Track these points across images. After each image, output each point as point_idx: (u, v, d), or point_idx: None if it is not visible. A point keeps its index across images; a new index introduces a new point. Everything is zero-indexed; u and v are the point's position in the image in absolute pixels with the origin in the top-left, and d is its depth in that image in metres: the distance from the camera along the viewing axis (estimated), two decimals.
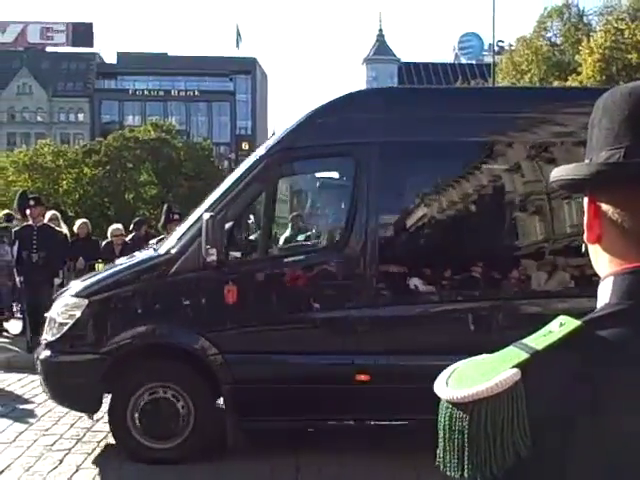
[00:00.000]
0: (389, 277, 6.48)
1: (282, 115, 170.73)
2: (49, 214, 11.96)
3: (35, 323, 9.91)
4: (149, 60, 79.11)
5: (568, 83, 31.34)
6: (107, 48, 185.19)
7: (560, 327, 0.99)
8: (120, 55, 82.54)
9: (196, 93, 79.58)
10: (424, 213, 6.73)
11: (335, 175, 7.63)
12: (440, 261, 6.55)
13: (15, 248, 11.35)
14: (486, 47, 66.32)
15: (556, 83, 32.80)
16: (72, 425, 7.28)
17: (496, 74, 37.93)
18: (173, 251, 6.46)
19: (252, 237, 6.86)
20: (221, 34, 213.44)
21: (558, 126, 6.49)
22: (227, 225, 6.37)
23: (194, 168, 50.99)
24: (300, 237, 7.39)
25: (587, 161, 1.09)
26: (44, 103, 77.27)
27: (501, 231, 6.70)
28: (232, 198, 6.49)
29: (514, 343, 1.00)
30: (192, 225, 6.53)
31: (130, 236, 13.20)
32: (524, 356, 0.96)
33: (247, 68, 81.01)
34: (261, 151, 6.88)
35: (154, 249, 7.07)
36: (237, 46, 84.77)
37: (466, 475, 0.95)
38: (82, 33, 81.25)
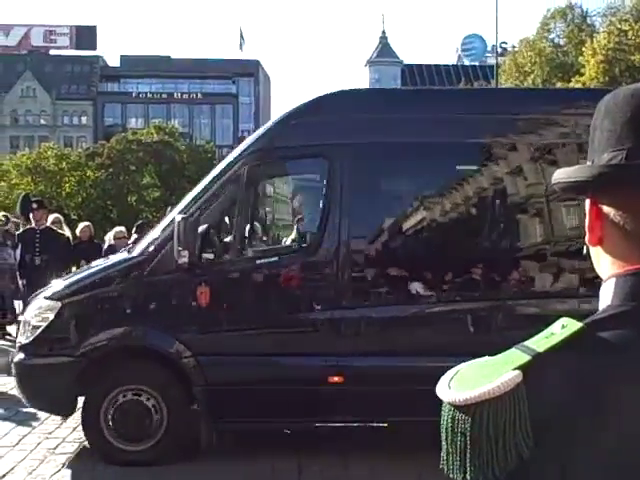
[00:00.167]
0: (362, 279, 6.48)
1: None
2: (52, 217, 11.98)
3: None
4: (152, 63, 79.26)
5: (571, 84, 31.33)
6: (110, 51, 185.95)
7: (562, 329, 0.99)
8: (123, 58, 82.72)
9: (199, 96, 79.74)
10: (397, 214, 6.76)
11: (309, 176, 7.63)
12: (414, 262, 6.56)
13: (18, 251, 11.37)
14: (489, 49, 66.40)
15: (559, 84, 32.80)
16: (75, 429, 7.27)
17: (499, 76, 37.94)
18: (146, 253, 6.48)
19: (227, 239, 6.82)
20: (224, 37, 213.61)
21: (549, 128, 6.50)
22: (202, 227, 6.37)
23: (197, 171, 50.98)
24: (274, 239, 7.37)
25: (589, 163, 1.09)
26: (47, 106, 77.43)
27: (475, 232, 6.70)
28: (206, 200, 6.52)
29: (516, 345, 1.00)
30: (166, 227, 6.54)
31: (133, 239, 13.20)
32: (526, 358, 0.96)
33: (250, 70, 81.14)
34: (235, 153, 6.90)
35: (128, 251, 7.08)
36: (240, 48, 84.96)
37: (468, 477, 0.95)
38: (85, 36, 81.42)
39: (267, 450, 6.52)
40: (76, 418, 7.41)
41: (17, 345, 6.68)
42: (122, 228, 13.77)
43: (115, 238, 12.97)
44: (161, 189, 50.94)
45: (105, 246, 13.26)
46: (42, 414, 7.76)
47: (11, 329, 12.68)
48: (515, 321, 6.25)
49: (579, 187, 1.08)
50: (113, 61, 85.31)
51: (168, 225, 6.48)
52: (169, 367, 6.37)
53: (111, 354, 6.45)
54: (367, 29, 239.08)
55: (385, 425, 6.86)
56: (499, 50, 42.30)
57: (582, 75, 33.03)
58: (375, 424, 6.81)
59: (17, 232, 12.09)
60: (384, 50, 76.78)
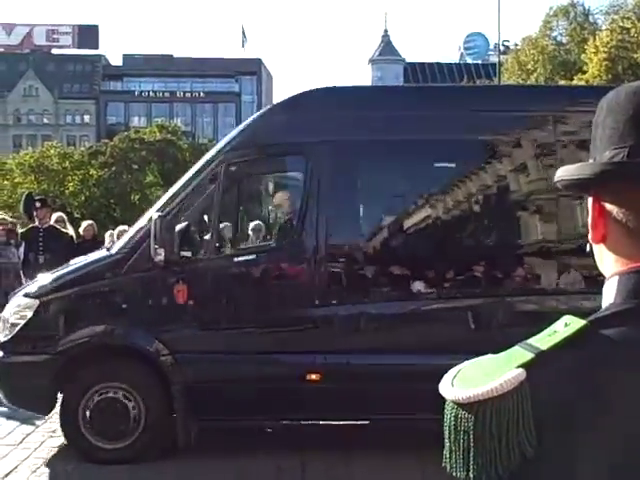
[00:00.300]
0: (339, 276, 6.48)
1: None
2: (55, 216, 11.98)
3: None
4: (154, 62, 79.31)
5: (574, 82, 31.27)
6: (113, 50, 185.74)
7: (565, 327, 0.98)
8: (126, 57, 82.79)
9: (201, 94, 79.75)
10: (375, 212, 6.79)
11: (287, 174, 7.63)
12: (392, 260, 6.57)
13: (21, 249, 11.38)
14: (492, 47, 66.32)
15: (562, 82, 32.73)
16: None
17: (502, 74, 37.89)
18: (124, 251, 6.49)
19: (206, 237, 6.82)
20: (226, 35, 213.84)
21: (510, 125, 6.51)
22: (181, 225, 6.39)
23: None
24: (253, 236, 7.37)
25: (591, 161, 1.08)
26: (50, 105, 77.47)
27: (453, 229, 6.72)
28: (184, 198, 6.53)
29: (519, 343, 1.00)
30: (143, 225, 6.55)
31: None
32: (529, 356, 0.96)
33: (252, 69, 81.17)
34: (214, 150, 6.91)
35: (107, 249, 7.06)
36: (243, 46, 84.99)
37: (472, 476, 0.94)
38: (88, 35, 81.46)
39: (271, 449, 6.52)
40: None
41: None
42: (125, 227, 13.76)
43: (118, 237, 12.96)
44: (164, 188, 50.77)
45: (108, 244, 13.26)
46: None
47: None
48: (493, 319, 6.32)
49: (581, 185, 1.08)
50: (115, 60, 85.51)
51: (146, 223, 6.48)
52: (147, 365, 6.37)
53: (89, 352, 6.46)
54: (369, 27, 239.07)
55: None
56: (502, 48, 42.28)
57: (585, 73, 32.95)
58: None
59: (21, 231, 12.10)
60: (386, 48, 76.64)
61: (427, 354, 6.10)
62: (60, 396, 6.52)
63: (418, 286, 6.49)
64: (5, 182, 49.87)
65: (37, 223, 11.23)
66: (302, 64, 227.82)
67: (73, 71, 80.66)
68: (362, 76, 75.39)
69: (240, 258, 6.62)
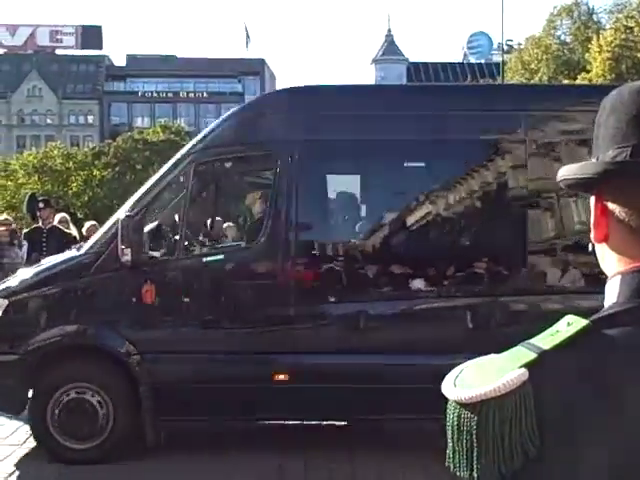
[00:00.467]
0: (308, 276, 6.48)
1: None
2: (59, 216, 11.99)
3: None
4: (158, 62, 79.31)
5: (578, 81, 31.24)
6: (116, 50, 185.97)
7: (568, 326, 0.98)
8: (129, 57, 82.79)
9: (205, 95, 79.73)
10: (344, 212, 6.80)
11: (256, 173, 7.60)
12: (360, 258, 6.56)
13: (24, 250, 11.40)
14: (495, 46, 66.16)
15: (565, 82, 32.71)
16: None
17: (505, 73, 37.87)
18: (92, 251, 6.50)
19: (175, 237, 6.80)
20: (230, 35, 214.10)
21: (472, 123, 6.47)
22: (151, 225, 6.41)
23: None
24: (222, 236, 7.34)
25: (593, 160, 1.08)
26: (54, 106, 77.53)
27: (418, 228, 6.70)
28: (153, 198, 6.54)
29: (521, 343, 1.00)
30: (112, 225, 6.54)
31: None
32: (532, 356, 0.96)
33: (255, 69, 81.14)
34: (183, 150, 6.91)
35: (77, 249, 7.07)
36: (246, 46, 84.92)
37: (475, 475, 0.95)
38: (91, 36, 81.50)
39: (274, 448, 6.52)
40: None
41: None
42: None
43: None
44: None
45: None
46: None
47: None
48: (456, 320, 6.35)
49: (584, 184, 1.08)
50: (119, 60, 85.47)
51: (114, 223, 6.48)
52: (116, 365, 6.38)
53: (58, 352, 6.47)
54: (373, 27, 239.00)
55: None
56: (505, 47, 42.28)
57: (589, 72, 32.94)
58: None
59: (24, 231, 12.13)
60: (390, 48, 76.57)
61: (397, 354, 6.14)
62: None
63: (389, 286, 6.50)
64: (9, 183, 49.95)
65: (40, 223, 11.24)
66: (305, 64, 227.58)
67: (76, 71, 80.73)
68: (365, 76, 75.40)
69: (209, 258, 6.59)
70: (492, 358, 1.00)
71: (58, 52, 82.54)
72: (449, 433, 0.97)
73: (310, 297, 6.42)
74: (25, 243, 11.58)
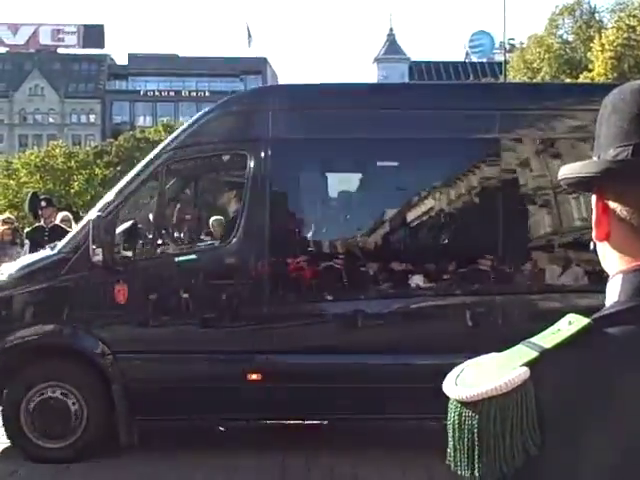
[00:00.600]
0: (280, 275, 6.45)
1: None
2: (61, 215, 11.99)
3: None
4: (160, 61, 79.36)
5: (580, 80, 31.21)
6: (118, 49, 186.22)
7: (569, 325, 0.98)
8: (131, 56, 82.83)
9: (207, 93, 79.65)
10: (316, 210, 6.79)
11: (229, 173, 7.57)
12: (332, 257, 6.55)
13: (26, 249, 11.40)
14: (497, 45, 66.12)
15: (567, 81, 32.69)
16: None
17: (507, 72, 37.84)
18: (65, 251, 6.49)
19: (148, 236, 6.80)
20: (232, 34, 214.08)
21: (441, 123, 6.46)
22: (125, 225, 6.40)
23: None
24: (195, 236, 7.31)
25: (595, 158, 1.08)
26: (56, 105, 77.60)
27: (389, 227, 6.71)
28: (126, 197, 6.53)
29: (523, 342, 1.00)
30: (85, 225, 6.53)
31: None
32: (533, 354, 0.96)
33: (257, 68, 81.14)
34: (157, 150, 6.89)
35: (51, 248, 7.07)
36: (248, 45, 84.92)
37: (476, 474, 0.95)
38: (93, 35, 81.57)
39: (277, 447, 6.52)
40: None
41: None
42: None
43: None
44: None
45: None
46: None
47: None
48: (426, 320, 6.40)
49: (586, 183, 1.08)
50: (121, 59, 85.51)
51: (86, 223, 6.47)
52: (88, 364, 6.37)
53: (31, 351, 6.47)
54: (375, 26, 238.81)
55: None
56: (507, 46, 42.18)
57: (591, 71, 32.93)
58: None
59: (26, 230, 12.13)
60: (392, 47, 76.59)
61: (371, 353, 6.15)
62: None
63: (362, 285, 6.50)
64: (11, 181, 50.04)
65: (42, 222, 11.25)
66: (307, 63, 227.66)
67: (78, 70, 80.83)
68: (367, 75, 75.39)
69: (181, 258, 6.56)
70: (493, 357, 1.00)
71: (60, 51, 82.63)
72: (450, 432, 0.97)
73: (283, 296, 6.42)
74: (27, 242, 11.58)
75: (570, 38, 41.41)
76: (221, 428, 7.09)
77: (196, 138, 6.59)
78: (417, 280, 6.50)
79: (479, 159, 6.57)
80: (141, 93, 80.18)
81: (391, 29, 78.53)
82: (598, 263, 1.11)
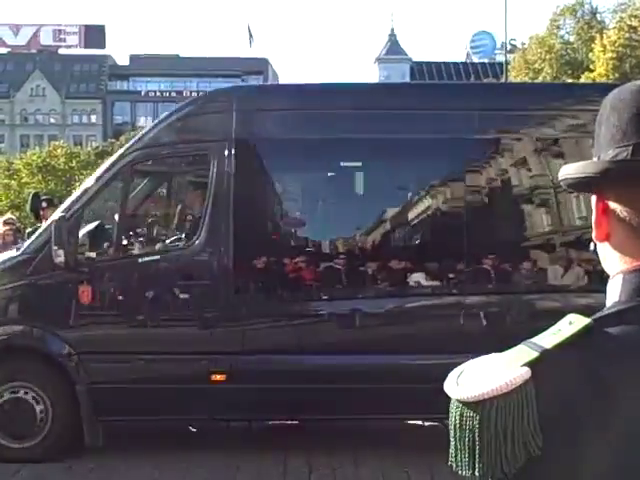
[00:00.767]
0: (244, 275, 6.45)
1: None
2: None
3: None
4: (161, 61, 79.38)
5: (581, 81, 31.19)
6: (119, 50, 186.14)
7: (569, 325, 0.98)
8: (132, 57, 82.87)
9: None
10: (279, 210, 6.79)
11: (193, 173, 7.55)
12: (297, 257, 6.53)
13: None
14: (498, 46, 66.08)
15: (569, 81, 32.65)
16: None
17: (508, 72, 37.79)
18: (29, 252, 6.49)
19: (112, 237, 6.79)
20: (233, 35, 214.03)
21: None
22: (90, 225, 6.41)
23: None
24: (159, 237, 7.32)
25: (595, 159, 1.08)
26: (57, 105, 77.62)
27: (355, 227, 6.70)
28: (90, 198, 6.52)
29: (524, 342, 1.00)
30: (48, 225, 6.53)
31: None
32: (534, 355, 0.96)
33: (259, 68, 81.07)
34: (121, 150, 6.91)
35: (17, 249, 7.07)
36: (250, 45, 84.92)
37: (477, 474, 0.94)
38: (94, 35, 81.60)
39: (278, 448, 6.52)
40: None
41: None
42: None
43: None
44: None
45: None
46: None
47: None
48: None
49: (585, 183, 1.08)
50: (122, 60, 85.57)
51: (50, 224, 6.46)
52: (53, 365, 6.37)
53: None
54: (376, 26, 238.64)
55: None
56: (508, 47, 42.10)
57: (592, 72, 32.88)
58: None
59: (28, 230, 12.12)
60: (393, 48, 76.59)
61: (334, 354, 6.15)
62: None
63: (327, 284, 6.49)
64: (12, 182, 50.01)
65: (44, 223, 11.24)
66: (308, 64, 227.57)
67: (80, 71, 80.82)
68: (369, 75, 75.38)
69: (145, 259, 6.56)
70: (494, 357, 1.00)
71: (61, 51, 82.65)
72: (451, 432, 0.97)
73: (247, 297, 6.42)
74: None
75: (571, 39, 41.32)
76: (192, 429, 7.09)
77: (161, 139, 6.60)
78: (380, 280, 6.52)
79: (439, 159, 6.59)
80: (142, 93, 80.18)
81: (392, 29, 78.57)
82: (598, 263, 1.11)
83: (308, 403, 6.17)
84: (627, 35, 32.44)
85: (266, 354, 6.25)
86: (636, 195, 1.02)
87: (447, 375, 1.00)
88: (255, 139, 6.48)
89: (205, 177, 6.54)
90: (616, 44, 32.00)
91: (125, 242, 6.72)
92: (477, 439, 0.94)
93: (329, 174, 6.86)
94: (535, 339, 0.99)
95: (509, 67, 38.79)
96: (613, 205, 1.05)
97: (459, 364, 1.01)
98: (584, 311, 1.03)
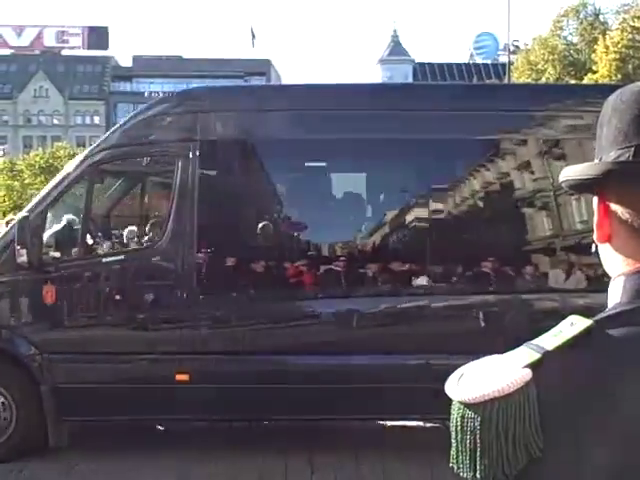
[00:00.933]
0: (208, 276, 6.43)
1: None
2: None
3: None
4: (164, 63, 79.49)
5: (584, 82, 31.17)
6: (122, 51, 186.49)
7: (571, 326, 0.98)
8: (135, 58, 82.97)
9: None
10: (244, 211, 6.77)
11: (158, 173, 7.49)
12: (262, 257, 6.52)
13: None
14: (501, 47, 66.02)
15: (572, 82, 32.64)
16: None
17: (511, 73, 37.79)
18: None
19: (77, 237, 6.76)
20: (235, 36, 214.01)
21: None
22: (56, 226, 6.40)
23: None
24: (124, 237, 7.33)
25: (596, 161, 1.08)
26: (60, 106, 77.73)
27: (315, 226, 6.69)
28: (55, 198, 6.53)
29: (525, 343, 1.00)
30: (13, 225, 6.53)
31: None
32: (535, 356, 0.96)
33: (261, 69, 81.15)
34: (87, 150, 6.90)
35: None
36: (252, 46, 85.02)
37: (478, 476, 0.95)
38: (98, 36, 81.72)
39: (280, 448, 6.52)
40: None
41: None
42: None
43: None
44: None
45: None
46: None
47: None
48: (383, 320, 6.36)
49: (587, 185, 1.08)
50: (125, 61, 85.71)
51: (14, 224, 6.46)
52: (17, 365, 6.36)
53: None
54: (379, 27, 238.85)
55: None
56: (511, 48, 42.10)
57: (595, 73, 32.88)
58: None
59: None
60: (396, 48, 76.60)
61: (298, 354, 6.15)
62: None
63: (292, 284, 6.48)
64: (15, 183, 50.08)
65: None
66: (311, 65, 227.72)
67: (83, 72, 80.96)
68: (371, 76, 75.38)
69: (109, 259, 6.56)
70: (495, 358, 1.00)
71: (64, 53, 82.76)
72: (453, 433, 0.97)
73: (212, 297, 6.38)
74: None
75: (574, 40, 41.32)
76: (159, 427, 7.10)
77: (126, 139, 6.59)
78: (352, 280, 6.49)
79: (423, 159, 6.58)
80: (145, 95, 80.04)
81: (395, 30, 78.60)
82: (600, 265, 1.11)
83: (274, 403, 6.15)
84: (630, 36, 32.45)
85: (230, 354, 6.24)
86: (638, 197, 1.02)
87: (446, 377, 1.00)
88: (220, 140, 6.47)
89: (170, 178, 6.52)
90: (619, 45, 32.01)
91: (90, 242, 6.73)
92: (478, 440, 0.94)
93: (293, 174, 6.86)
94: (536, 340, 0.99)
95: (512, 68, 38.79)
96: (615, 207, 1.05)
97: (459, 365, 1.01)
98: (585, 312, 1.03)
